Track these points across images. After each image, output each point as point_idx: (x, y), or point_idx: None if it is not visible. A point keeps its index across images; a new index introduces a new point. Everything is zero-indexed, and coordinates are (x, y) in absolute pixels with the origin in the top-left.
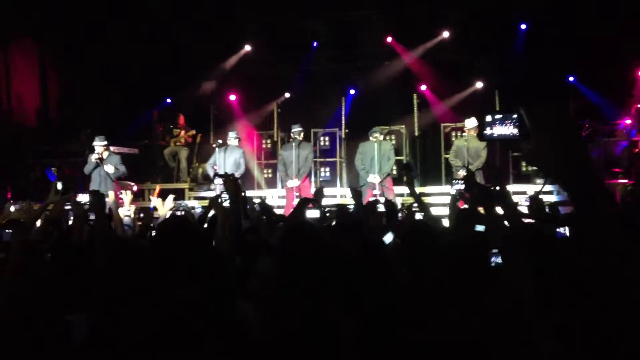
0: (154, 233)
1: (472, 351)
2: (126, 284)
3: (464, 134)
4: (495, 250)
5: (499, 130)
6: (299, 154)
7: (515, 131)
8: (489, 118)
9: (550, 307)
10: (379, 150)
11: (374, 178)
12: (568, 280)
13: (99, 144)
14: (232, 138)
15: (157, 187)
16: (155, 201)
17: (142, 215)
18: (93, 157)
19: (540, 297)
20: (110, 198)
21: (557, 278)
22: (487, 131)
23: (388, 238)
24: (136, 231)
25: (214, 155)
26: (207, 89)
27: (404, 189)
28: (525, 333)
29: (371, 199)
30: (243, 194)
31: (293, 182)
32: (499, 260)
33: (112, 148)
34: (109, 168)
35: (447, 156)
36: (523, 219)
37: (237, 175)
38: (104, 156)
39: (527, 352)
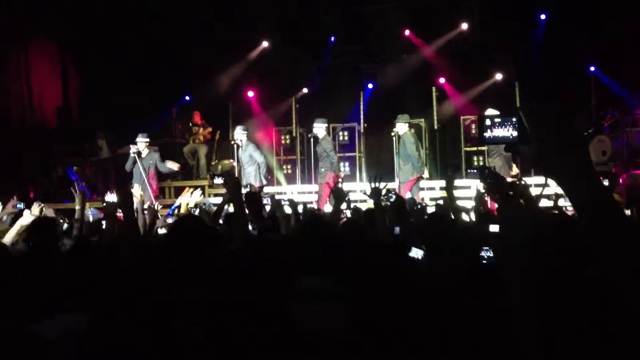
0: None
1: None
2: (139, 283)
3: None
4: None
5: (499, 132)
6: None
7: (514, 133)
8: (488, 122)
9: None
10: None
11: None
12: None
13: (141, 140)
14: (239, 132)
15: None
16: (181, 199)
17: (146, 212)
18: (131, 151)
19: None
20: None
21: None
22: (487, 134)
23: (418, 254)
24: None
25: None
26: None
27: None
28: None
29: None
30: (260, 193)
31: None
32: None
33: (131, 146)
34: (173, 165)
35: (467, 149)
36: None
37: (262, 168)
38: (143, 153)
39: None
